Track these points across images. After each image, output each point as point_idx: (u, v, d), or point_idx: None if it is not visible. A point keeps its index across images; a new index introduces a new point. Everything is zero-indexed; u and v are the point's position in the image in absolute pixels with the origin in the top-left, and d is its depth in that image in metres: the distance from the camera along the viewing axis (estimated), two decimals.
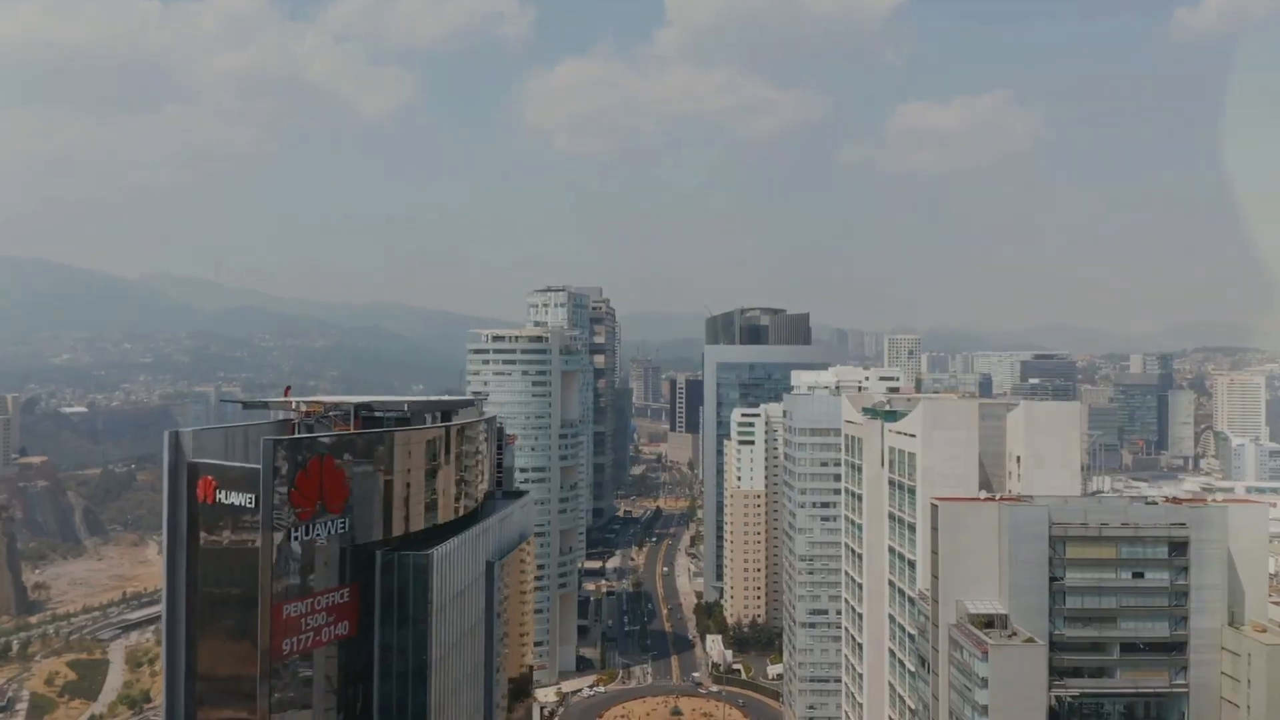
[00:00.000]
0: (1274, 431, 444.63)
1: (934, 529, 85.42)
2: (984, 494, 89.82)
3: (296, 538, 49.97)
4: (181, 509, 52.70)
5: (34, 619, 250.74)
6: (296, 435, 56.03)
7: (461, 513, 65.43)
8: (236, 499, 50.59)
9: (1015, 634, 78.09)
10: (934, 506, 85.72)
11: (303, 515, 50.11)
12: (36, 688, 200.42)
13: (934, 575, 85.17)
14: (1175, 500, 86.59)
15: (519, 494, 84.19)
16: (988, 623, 79.34)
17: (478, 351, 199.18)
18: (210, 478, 51.97)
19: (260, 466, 49.33)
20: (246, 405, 69.48)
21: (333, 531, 52.26)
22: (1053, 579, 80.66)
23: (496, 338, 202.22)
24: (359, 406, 63.35)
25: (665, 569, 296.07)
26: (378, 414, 65.11)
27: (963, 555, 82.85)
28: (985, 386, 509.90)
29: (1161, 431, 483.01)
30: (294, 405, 63.62)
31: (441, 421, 68.21)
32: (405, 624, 54.73)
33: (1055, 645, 79.68)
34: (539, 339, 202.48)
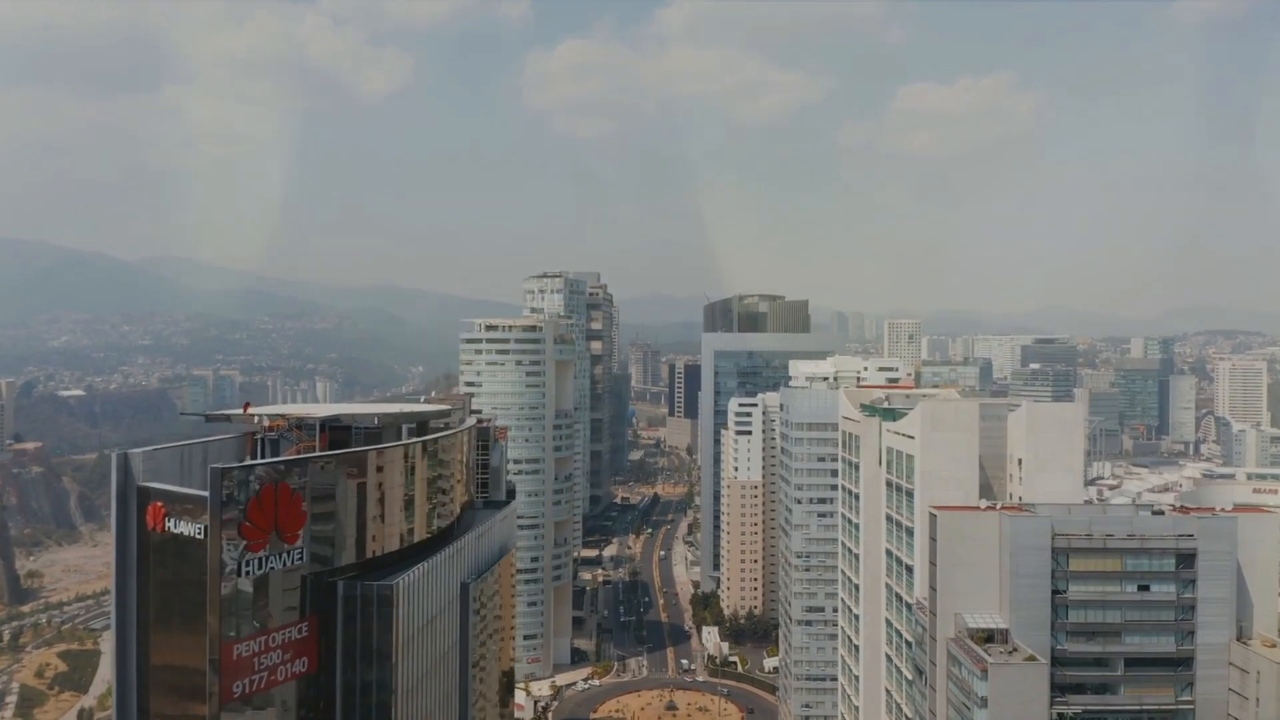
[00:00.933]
0: (1275, 417, 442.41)
1: (932, 539, 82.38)
2: (985, 503, 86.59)
3: (248, 572, 46.66)
4: (131, 537, 49.45)
5: (26, 608, 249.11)
6: (248, 462, 52.41)
7: (435, 531, 62.17)
8: (186, 528, 47.28)
9: (1016, 650, 75.25)
10: (932, 516, 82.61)
11: (254, 547, 46.76)
12: (27, 679, 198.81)
13: (931, 587, 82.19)
14: (1183, 510, 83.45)
15: (502, 503, 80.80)
16: (987, 637, 76.60)
17: (470, 341, 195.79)
18: (160, 504, 48.64)
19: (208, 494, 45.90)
20: (209, 418, 65.98)
21: (289, 563, 48.95)
22: (1055, 592, 77.70)
23: (489, 327, 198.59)
24: (326, 420, 59.86)
25: (663, 553, 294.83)
26: (347, 426, 61.65)
27: (961, 567, 79.91)
28: (986, 371, 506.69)
29: (1162, 416, 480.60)
30: (256, 419, 60.13)
31: (417, 433, 64.86)
32: (369, 658, 51.52)
33: (1057, 660, 76.82)
34: (533, 328, 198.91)
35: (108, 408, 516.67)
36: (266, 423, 59.43)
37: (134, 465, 50.36)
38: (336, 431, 60.84)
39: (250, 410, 59.63)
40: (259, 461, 52.42)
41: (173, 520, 47.89)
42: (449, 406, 74.01)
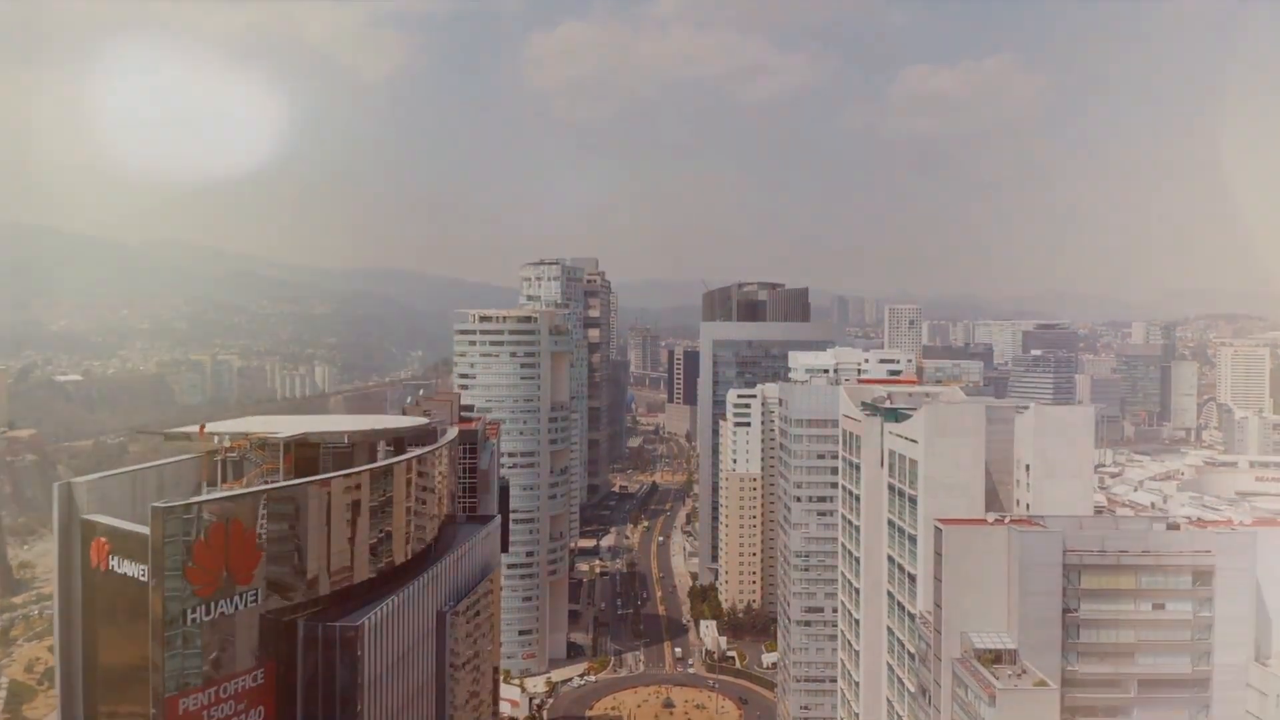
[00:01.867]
0: (1278, 404, 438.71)
1: (937, 553, 78.69)
2: (992, 516, 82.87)
3: (194, 620, 42.90)
4: (75, 576, 45.60)
5: (18, 599, 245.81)
6: (194, 499, 48.11)
7: (410, 555, 58.36)
8: (130, 569, 43.49)
9: (1025, 672, 71.71)
10: (938, 529, 78.91)
11: (202, 592, 42.99)
12: (16, 675, 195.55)
13: (936, 604, 78.62)
14: (1200, 523, 79.77)
15: (487, 518, 76.84)
16: (995, 658, 73.02)
17: (464, 333, 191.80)
18: (104, 540, 44.80)
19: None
20: (168, 437, 62.08)
21: (241, 605, 45.19)
22: (1066, 610, 74.11)
23: (483, 318, 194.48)
24: (291, 440, 55.85)
25: (661, 539, 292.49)
26: (315, 445, 57.71)
27: (968, 583, 76.25)
28: (987, 358, 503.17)
29: (1164, 403, 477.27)
30: (215, 439, 56.12)
31: (393, 450, 60.90)
32: (331, 704, 47.86)
33: (1068, 682, 73.35)
34: (528, 319, 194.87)
35: (105, 393, 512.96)
36: (227, 442, 55.52)
37: (78, 496, 46.48)
38: (303, 450, 56.93)
39: (207, 430, 55.72)
40: (205, 498, 48.12)
41: (116, 559, 44.11)
42: (428, 420, 69.86)
